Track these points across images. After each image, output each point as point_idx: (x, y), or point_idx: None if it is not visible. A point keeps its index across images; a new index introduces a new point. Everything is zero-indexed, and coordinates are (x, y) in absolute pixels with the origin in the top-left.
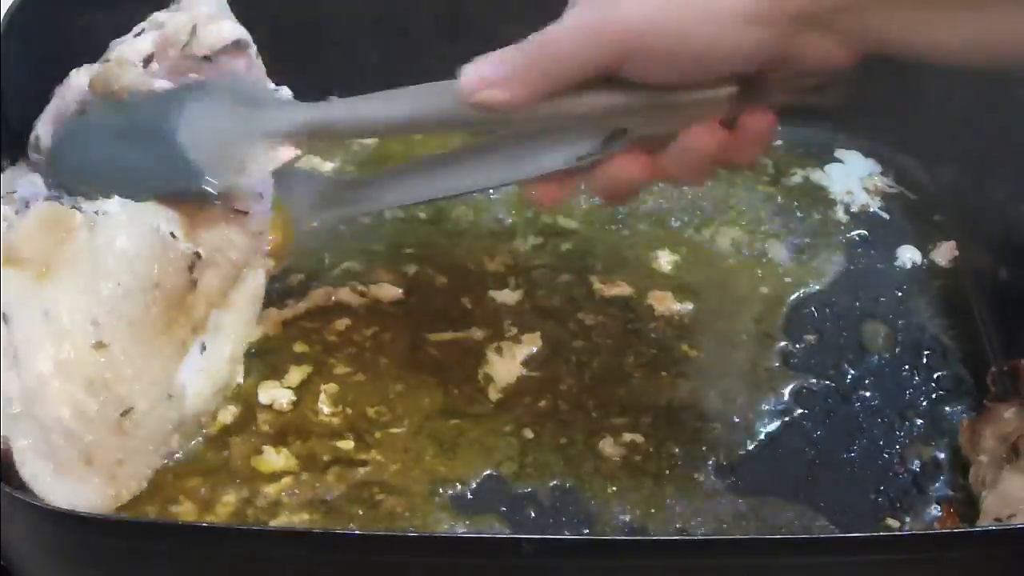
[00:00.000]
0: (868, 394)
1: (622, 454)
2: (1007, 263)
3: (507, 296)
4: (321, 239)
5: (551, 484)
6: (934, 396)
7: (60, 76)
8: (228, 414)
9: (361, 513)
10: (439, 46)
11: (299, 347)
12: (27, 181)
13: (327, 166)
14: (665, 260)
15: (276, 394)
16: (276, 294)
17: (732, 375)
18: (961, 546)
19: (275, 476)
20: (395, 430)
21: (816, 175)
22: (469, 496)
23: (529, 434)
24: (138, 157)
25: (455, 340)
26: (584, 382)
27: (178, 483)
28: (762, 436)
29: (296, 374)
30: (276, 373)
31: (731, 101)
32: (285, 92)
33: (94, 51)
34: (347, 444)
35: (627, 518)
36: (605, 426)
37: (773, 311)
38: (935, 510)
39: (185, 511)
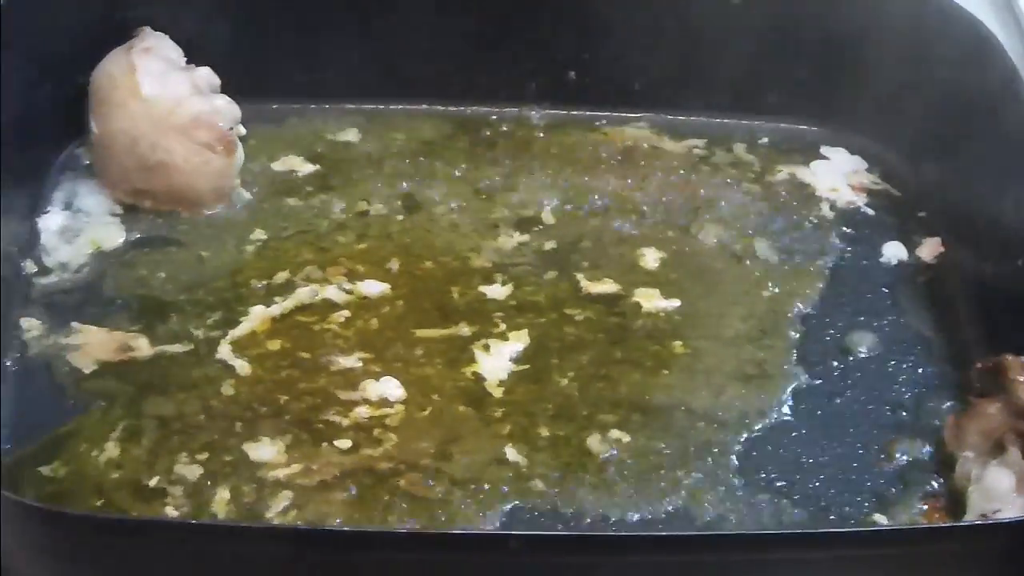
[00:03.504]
0: (853, 390)
1: (611, 451)
2: (991, 259)
3: (496, 291)
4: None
5: (540, 480)
6: (919, 392)
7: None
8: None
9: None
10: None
11: (285, 344)
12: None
13: (305, 169)
14: (651, 257)
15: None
16: (263, 292)
17: (718, 372)
18: (946, 541)
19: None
20: (388, 424)
21: (801, 172)
22: (458, 492)
23: (517, 431)
24: None
25: (443, 337)
26: (572, 379)
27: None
28: (749, 433)
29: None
30: (264, 368)
31: None
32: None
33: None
34: (343, 443)
35: (615, 514)
36: (594, 423)
37: (759, 308)
38: (920, 505)
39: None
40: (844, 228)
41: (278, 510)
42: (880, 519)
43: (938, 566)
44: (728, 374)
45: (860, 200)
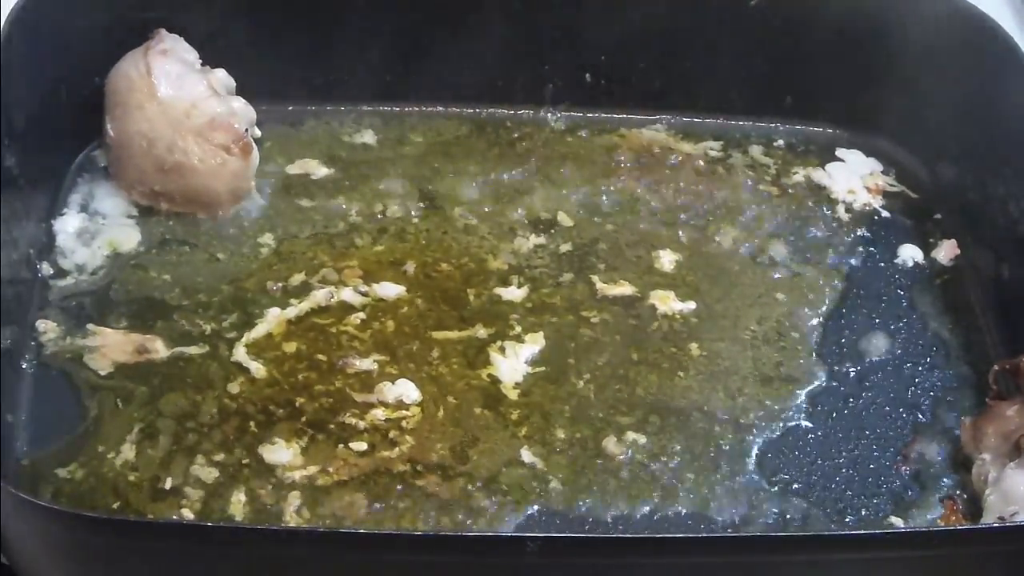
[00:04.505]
0: (870, 393)
1: (627, 453)
2: (1008, 261)
3: (513, 293)
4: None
5: (556, 482)
6: (936, 394)
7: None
8: (235, 385)
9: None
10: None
11: (301, 346)
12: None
13: (322, 171)
14: (667, 259)
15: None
16: (279, 294)
17: (735, 375)
18: (964, 543)
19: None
20: (404, 427)
21: (817, 174)
22: (474, 494)
23: (534, 433)
24: None
25: (459, 339)
26: (588, 381)
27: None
28: (765, 435)
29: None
30: (280, 370)
31: None
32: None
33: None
34: (360, 445)
35: (632, 516)
36: (610, 425)
37: (775, 310)
38: (938, 508)
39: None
40: (860, 230)
41: (294, 512)
42: (897, 521)
43: (955, 568)
44: (745, 376)
45: (876, 202)
